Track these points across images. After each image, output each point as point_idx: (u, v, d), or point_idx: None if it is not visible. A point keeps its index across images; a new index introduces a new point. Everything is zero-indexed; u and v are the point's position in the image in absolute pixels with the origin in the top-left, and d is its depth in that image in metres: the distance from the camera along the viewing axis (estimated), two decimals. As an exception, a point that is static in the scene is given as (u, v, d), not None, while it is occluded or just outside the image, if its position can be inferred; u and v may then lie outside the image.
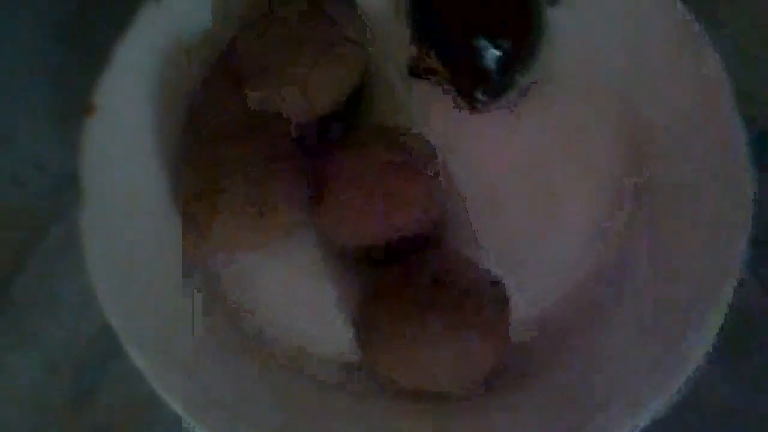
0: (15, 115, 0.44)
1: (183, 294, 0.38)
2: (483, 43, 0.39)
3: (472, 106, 0.41)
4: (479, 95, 0.40)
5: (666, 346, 0.35)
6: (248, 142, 0.37)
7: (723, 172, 0.38)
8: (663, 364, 0.35)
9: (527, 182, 0.40)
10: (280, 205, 0.36)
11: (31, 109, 0.44)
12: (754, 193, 0.37)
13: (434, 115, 0.41)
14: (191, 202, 0.36)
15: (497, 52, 0.39)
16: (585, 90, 0.41)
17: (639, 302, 0.37)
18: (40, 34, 0.46)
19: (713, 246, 0.37)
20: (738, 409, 0.38)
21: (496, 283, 0.36)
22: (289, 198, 0.36)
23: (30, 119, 0.44)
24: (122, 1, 0.40)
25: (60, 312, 0.40)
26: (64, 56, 0.45)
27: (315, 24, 0.38)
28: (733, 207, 0.37)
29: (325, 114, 0.38)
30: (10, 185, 0.43)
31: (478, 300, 0.34)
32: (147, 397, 0.35)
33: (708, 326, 0.35)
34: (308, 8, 0.38)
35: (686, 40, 0.40)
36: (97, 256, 0.37)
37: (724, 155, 0.38)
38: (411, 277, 0.35)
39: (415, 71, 0.42)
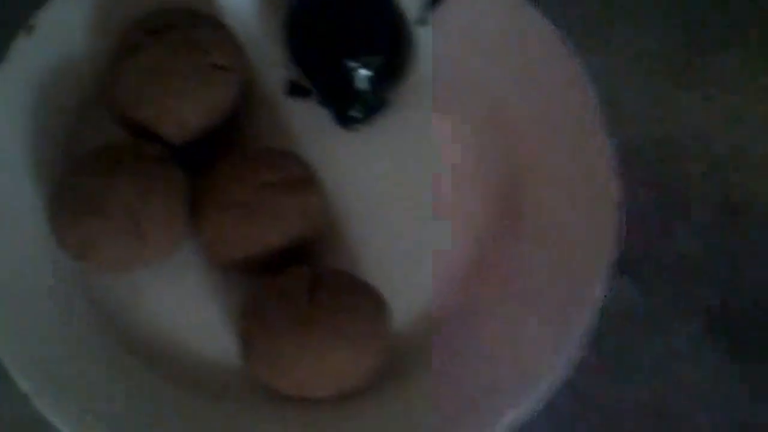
0: None
1: (70, 316, 0.38)
2: (353, 64, 0.40)
3: (347, 124, 0.42)
4: (353, 113, 0.42)
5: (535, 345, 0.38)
6: (125, 167, 0.37)
7: (590, 181, 0.40)
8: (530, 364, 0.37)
9: (401, 194, 0.42)
10: (158, 227, 0.37)
11: None
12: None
13: (311, 133, 0.42)
14: (70, 227, 0.37)
15: (367, 72, 0.40)
16: (453, 102, 0.43)
17: (506, 306, 0.39)
18: None
19: (581, 255, 0.39)
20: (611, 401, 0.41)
21: (372, 292, 0.37)
22: (168, 219, 0.37)
23: None
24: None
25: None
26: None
27: (185, 52, 0.39)
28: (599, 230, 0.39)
29: (199, 135, 0.39)
30: None
31: (355, 310, 0.36)
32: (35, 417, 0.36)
33: (578, 326, 0.38)
34: (179, 37, 0.39)
35: (552, 55, 0.42)
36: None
37: (590, 166, 0.40)
38: (288, 290, 0.36)
39: (292, 91, 0.43)
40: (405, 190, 0.42)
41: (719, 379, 0.41)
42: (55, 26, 0.42)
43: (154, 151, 0.38)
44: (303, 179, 0.38)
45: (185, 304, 0.39)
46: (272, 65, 0.43)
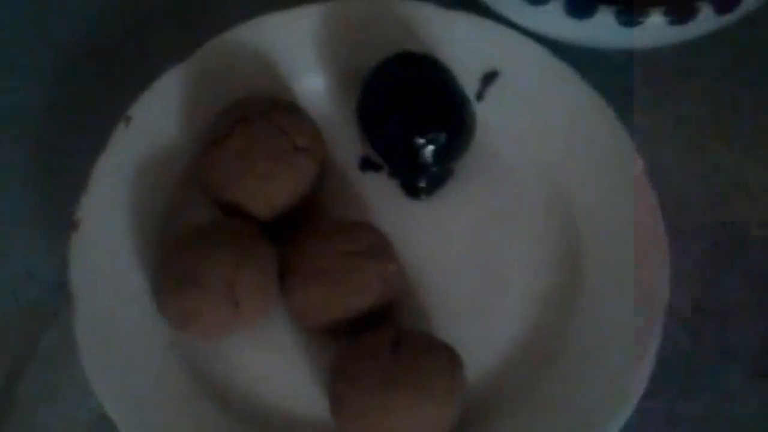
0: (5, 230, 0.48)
1: (172, 381, 0.42)
2: (419, 140, 0.44)
3: (415, 194, 0.46)
4: (421, 184, 0.46)
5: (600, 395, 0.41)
6: (220, 242, 0.41)
7: (644, 253, 0.43)
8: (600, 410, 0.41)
9: (468, 257, 0.45)
10: (251, 296, 0.41)
11: (20, 223, 0.48)
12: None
13: (384, 205, 0.46)
14: (171, 298, 0.41)
15: (432, 147, 0.44)
16: (514, 173, 0.47)
17: (575, 358, 0.43)
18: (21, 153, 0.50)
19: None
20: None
21: (449, 350, 0.41)
22: (259, 288, 0.41)
23: (20, 233, 0.48)
24: (100, 121, 0.46)
25: (60, 405, 0.44)
26: (48, 174, 0.50)
27: (269, 137, 0.43)
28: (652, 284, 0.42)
29: (285, 211, 0.43)
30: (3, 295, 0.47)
31: (434, 367, 0.39)
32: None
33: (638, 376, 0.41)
34: (264, 123, 0.43)
35: (598, 121, 0.46)
36: (91, 354, 0.41)
37: (644, 238, 0.44)
38: (373, 350, 0.40)
39: (365, 166, 0.47)
40: (471, 253, 0.45)
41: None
42: (148, 117, 0.46)
43: (246, 227, 0.43)
44: (380, 247, 0.42)
45: (277, 366, 0.43)
46: (347, 144, 0.47)
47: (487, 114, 0.47)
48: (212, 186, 0.43)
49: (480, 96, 0.47)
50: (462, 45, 0.47)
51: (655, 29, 0.43)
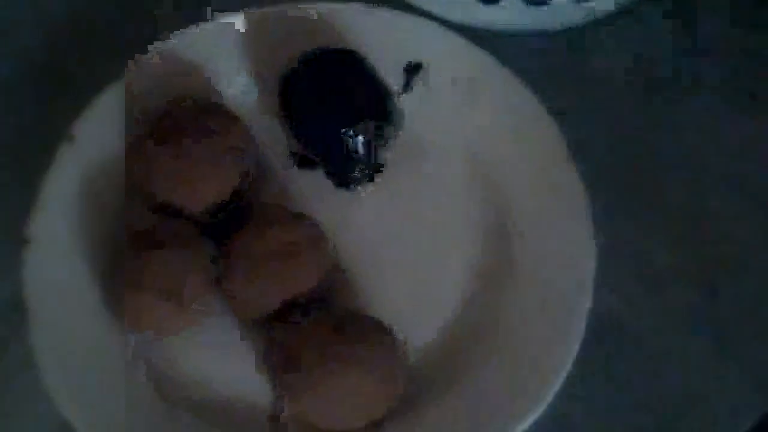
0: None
1: (129, 383, 0.44)
2: (349, 132, 0.46)
3: (348, 186, 0.48)
4: (354, 175, 0.48)
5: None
6: (161, 245, 0.44)
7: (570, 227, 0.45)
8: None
9: (404, 242, 0.48)
10: (195, 294, 0.43)
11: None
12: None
13: (318, 197, 0.48)
14: (121, 300, 0.43)
15: (361, 138, 0.46)
16: (443, 159, 0.49)
17: (509, 331, 0.45)
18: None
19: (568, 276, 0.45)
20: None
21: (388, 329, 0.43)
22: (202, 286, 0.43)
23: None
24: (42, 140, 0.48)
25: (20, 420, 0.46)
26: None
27: (200, 138, 0.45)
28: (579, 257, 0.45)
29: (222, 210, 0.46)
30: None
31: (375, 344, 0.42)
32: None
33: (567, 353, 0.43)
34: (194, 126, 0.46)
35: (523, 104, 0.48)
36: (51, 364, 0.43)
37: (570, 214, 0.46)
38: (315, 333, 0.42)
39: (300, 163, 0.49)
40: (407, 238, 0.48)
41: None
42: (90, 133, 0.48)
43: (185, 228, 0.45)
44: (314, 235, 0.44)
45: (224, 357, 0.45)
46: (278, 142, 0.49)
47: (414, 104, 0.49)
48: (148, 190, 0.46)
49: (406, 87, 0.50)
50: (385, 40, 0.49)
51: (561, 8, 0.46)
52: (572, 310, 0.44)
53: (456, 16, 0.49)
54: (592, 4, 0.46)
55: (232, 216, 0.46)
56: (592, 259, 0.44)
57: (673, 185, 0.50)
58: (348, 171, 0.48)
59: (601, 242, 0.45)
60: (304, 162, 0.49)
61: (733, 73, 0.53)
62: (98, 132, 0.48)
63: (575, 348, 0.43)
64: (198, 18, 0.51)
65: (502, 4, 0.46)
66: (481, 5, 0.46)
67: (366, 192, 0.49)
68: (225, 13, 0.50)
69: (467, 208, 0.48)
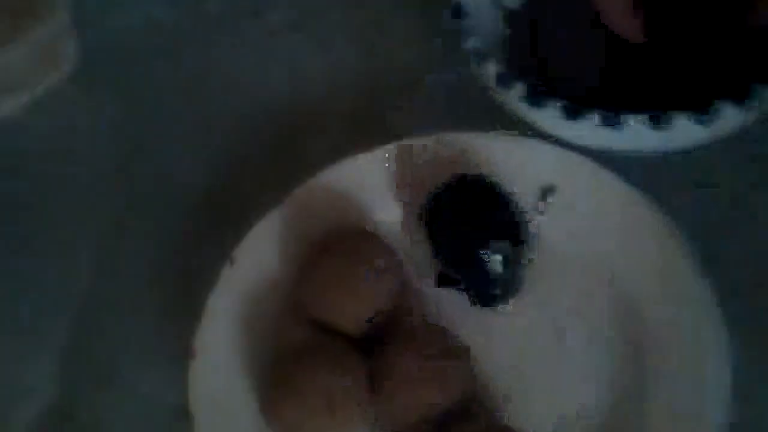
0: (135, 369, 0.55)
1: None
2: (486, 253, 0.49)
3: (488, 304, 0.51)
4: (493, 294, 0.51)
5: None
6: (317, 357, 0.47)
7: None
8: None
9: (541, 358, 0.50)
10: (347, 405, 0.46)
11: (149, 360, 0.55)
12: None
13: (460, 315, 0.51)
14: (277, 409, 0.47)
15: (498, 257, 0.49)
16: (575, 275, 0.52)
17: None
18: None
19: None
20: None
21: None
22: (354, 396, 0.46)
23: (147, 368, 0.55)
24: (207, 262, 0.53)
25: None
26: (167, 312, 0.57)
27: (352, 262, 0.49)
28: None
29: (371, 325, 0.49)
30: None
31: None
32: None
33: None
34: (348, 250, 0.50)
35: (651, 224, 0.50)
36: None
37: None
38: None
39: (441, 282, 0.52)
40: (546, 354, 0.50)
41: None
42: (250, 256, 0.53)
43: (338, 341, 0.48)
44: (455, 348, 0.47)
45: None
46: (424, 263, 0.53)
47: (549, 224, 0.52)
48: (309, 308, 0.50)
49: (541, 209, 0.53)
50: (519, 166, 0.53)
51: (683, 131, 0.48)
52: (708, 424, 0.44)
53: (584, 140, 0.52)
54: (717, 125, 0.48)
55: (380, 332, 0.49)
56: (727, 373, 0.45)
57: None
58: (487, 290, 0.51)
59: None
60: (444, 281, 0.52)
61: None
62: (257, 256, 0.53)
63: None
64: (349, 151, 0.56)
65: (627, 127, 0.49)
66: (606, 129, 0.49)
67: (505, 310, 0.51)
68: (375, 146, 0.55)
69: (602, 323, 0.50)
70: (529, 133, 0.54)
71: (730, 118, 0.48)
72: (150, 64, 0.69)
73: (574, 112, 0.50)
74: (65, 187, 0.63)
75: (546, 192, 0.53)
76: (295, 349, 0.49)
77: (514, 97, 0.52)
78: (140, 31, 0.71)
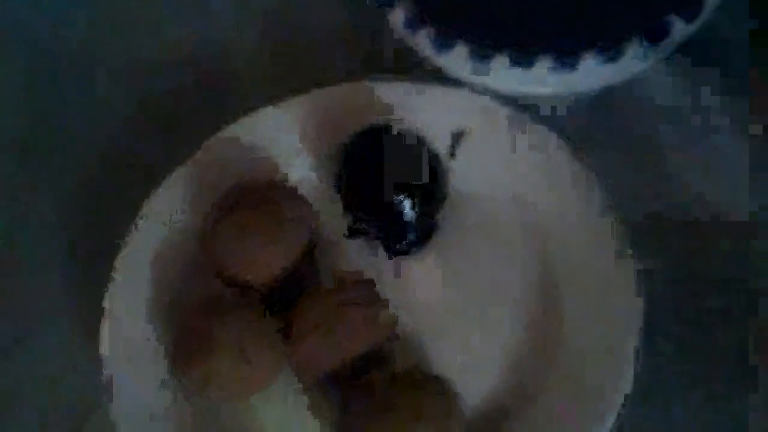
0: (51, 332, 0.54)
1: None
2: (399, 198, 0.49)
3: (401, 252, 0.51)
4: (408, 241, 0.51)
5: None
6: (229, 311, 0.46)
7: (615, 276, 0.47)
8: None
9: (455, 301, 0.50)
10: (262, 358, 0.46)
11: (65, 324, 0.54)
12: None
13: (373, 264, 0.51)
14: (191, 365, 0.46)
15: (410, 201, 0.49)
16: (489, 216, 0.52)
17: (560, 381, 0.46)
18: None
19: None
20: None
21: (443, 381, 0.44)
22: (268, 350, 0.46)
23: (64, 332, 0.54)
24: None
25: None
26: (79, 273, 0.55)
27: (262, 212, 0.48)
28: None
29: (282, 277, 0.48)
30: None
31: (431, 395, 0.43)
32: None
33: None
34: (256, 201, 0.49)
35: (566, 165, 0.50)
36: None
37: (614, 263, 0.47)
38: (372, 387, 0.44)
39: (352, 233, 0.52)
40: (460, 297, 0.50)
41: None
42: (159, 212, 0.52)
43: (248, 296, 0.48)
44: (367, 295, 0.47)
45: (288, 420, 0.48)
46: (336, 216, 0.52)
47: (462, 168, 0.52)
48: (216, 260, 0.49)
49: (453, 153, 0.52)
50: (429, 112, 0.53)
51: (590, 71, 0.48)
52: (621, 355, 0.45)
53: (494, 84, 0.52)
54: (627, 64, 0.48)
55: (292, 284, 0.49)
56: (640, 303, 0.46)
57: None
58: (400, 237, 0.51)
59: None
60: (355, 233, 0.52)
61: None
62: (166, 211, 0.52)
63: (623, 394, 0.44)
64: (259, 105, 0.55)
65: (534, 69, 0.48)
66: (517, 71, 0.49)
67: (419, 257, 0.51)
68: (283, 97, 0.54)
69: (517, 263, 0.50)
70: (438, 78, 0.54)
71: (637, 57, 0.48)
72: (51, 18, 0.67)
73: (482, 54, 0.49)
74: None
75: (457, 136, 0.53)
76: (205, 303, 0.48)
77: (422, 42, 0.51)
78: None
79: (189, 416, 0.47)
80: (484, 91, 0.52)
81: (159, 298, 0.50)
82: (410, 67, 0.55)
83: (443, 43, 0.50)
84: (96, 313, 0.49)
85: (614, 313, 0.47)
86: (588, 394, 0.45)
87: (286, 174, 0.53)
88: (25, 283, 0.56)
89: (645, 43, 0.48)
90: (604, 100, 0.54)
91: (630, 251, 0.47)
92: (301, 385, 0.47)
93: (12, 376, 0.53)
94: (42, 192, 0.59)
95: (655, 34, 0.48)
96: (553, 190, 0.50)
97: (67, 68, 0.64)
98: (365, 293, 0.47)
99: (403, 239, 0.51)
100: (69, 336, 0.53)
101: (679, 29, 0.48)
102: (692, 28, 0.49)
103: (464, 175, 0.52)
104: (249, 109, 0.55)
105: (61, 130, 0.62)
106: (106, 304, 0.49)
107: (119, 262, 0.50)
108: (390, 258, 0.51)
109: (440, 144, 0.52)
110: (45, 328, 0.54)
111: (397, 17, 0.52)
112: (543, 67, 0.48)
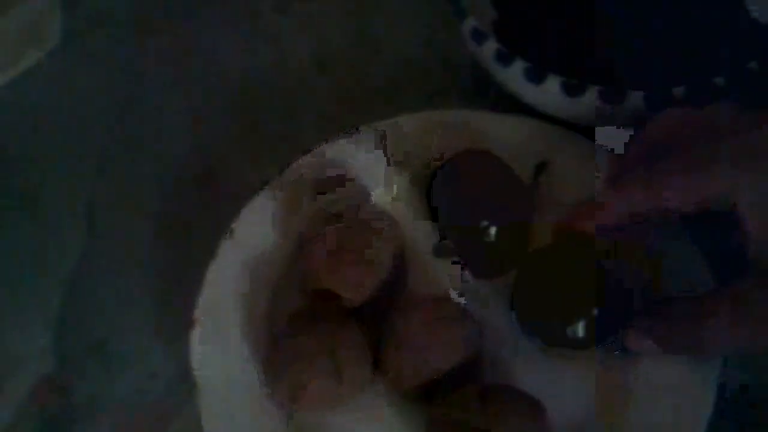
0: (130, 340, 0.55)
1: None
2: (485, 224, 0.51)
3: (484, 276, 0.52)
4: (490, 266, 0.52)
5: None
6: (320, 324, 0.48)
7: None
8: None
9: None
10: (352, 369, 0.47)
11: (144, 331, 0.55)
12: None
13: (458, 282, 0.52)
14: (282, 376, 0.47)
15: (494, 228, 0.51)
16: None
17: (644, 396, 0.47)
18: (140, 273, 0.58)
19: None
20: None
21: (531, 399, 0.45)
22: (358, 361, 0.47)
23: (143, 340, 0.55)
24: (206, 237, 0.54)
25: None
26: (166, 288, 0.57)
27: (353, 232, 0.50)
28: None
29: (372, 293, 0.50)
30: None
31: (520, 413, 0.44)
32: None
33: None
34: (348, 221, 0.51)
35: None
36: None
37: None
38: (460, 403, 0.44)
39: (439, 253, 0.53)
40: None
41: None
42: (248, 228, 0.54)
43: (339, 309, 0.49)
44: (457, 313, 0.48)
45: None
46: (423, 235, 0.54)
47: (543, 198, 0.54)
48: (308, 276, 0.50)
49: (535, 183, 0.54)
50: (514, 142, 0.55)
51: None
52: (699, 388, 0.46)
53: (576, 118, 0.54)
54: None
55: (381, 299, 0.50)
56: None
57: None
58: (484, 262, 0.52)
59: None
60: (442, 251, 0.53)
61: None
62: (255, 228, 0.54)
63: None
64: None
65: (624, 105, 0.50)
66: (605, 106, 0.51)
67: (502, 281, 0.52)
68: (375, 123, 0.57)
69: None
70: (522, 110, 0.56)
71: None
72: (133, 41, 0.69)
73: (573, 87, 0.51)
74: (55, 165, 0.64)
75: (540, 167, 0.54)
76: (296, 317, 0.49)
77: (513, 74, 0.53)
78: (123, 11, 0.71)
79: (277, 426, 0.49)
80: (570, 124, 0.54)
81: (247, 311, 0.52)
82: (498, 99, 0.57)
83: (535, 75, 0.52)
84: (179, 321, 0.51)
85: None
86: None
87: (376, 194, 0.55)
88: (114, 291, 0.57)
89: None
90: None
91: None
92: (390, 398, 0.48)
93: (95, 382, 0.54)
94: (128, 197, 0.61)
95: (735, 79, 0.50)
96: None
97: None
98: (454, 310, 0.48)
99: (485, 263, 0.52)
100: (150, 343, 0.55)
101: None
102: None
103: (546, 205, 0.53)
104: (339, 130, 0.57)
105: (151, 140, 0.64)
106: (196, 313, 0.51)
107: (209, 276, 0.52)
108: (475, 279, 0.52)
109: (524, 174, 0.54)
110: (126, 334, 0.55)
111: (488, 51, 0.54)
112: (632, 103, 0.50)
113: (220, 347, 0.50)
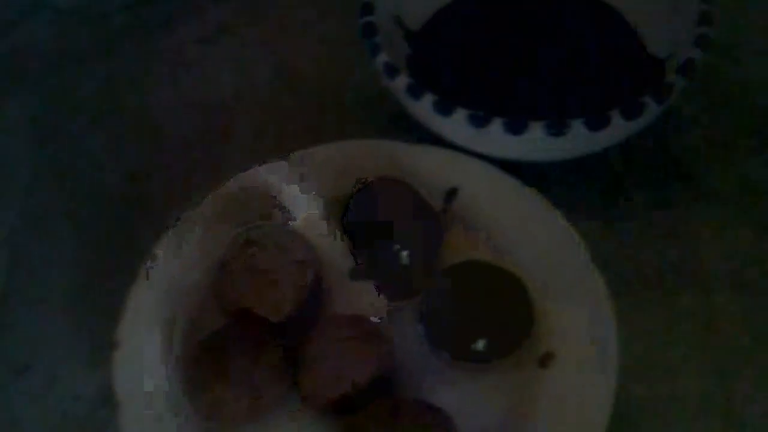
0: (53, 364, 0.56)
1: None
2: (397, 247, 0.53)
3: (396, 298, 0.55)
4: (404, 287, 0.55)
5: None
6: (237, 343, 0.50)
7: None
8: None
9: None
10: (269, 386, 0.49)
11: (67, 355, 0.57)
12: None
13: (371, 303, 0.55)
14: (200, 392, 0.49)
15: (406, 251, 0.53)
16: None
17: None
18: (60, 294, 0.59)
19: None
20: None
21: (441, 412, 0.48)
22: (275, 378, 0.49)
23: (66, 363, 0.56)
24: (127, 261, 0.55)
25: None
26: (85, 311, 0.58)
27: (271, 254, 0.53)
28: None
29: (289, 314, 0.52)
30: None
31: (430, 426, 0.47)
32: None
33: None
34: (266, 244, 0.53)
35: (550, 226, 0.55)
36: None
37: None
38: (373, 417, 0.47)
39: (354, 276, 0.56)
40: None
41: None
42: (170, 253, 0.56)
43: (257, 328, 0.51)
44: (371, 332, 0.51)
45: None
46: (339, 258, 0.56)
47: (453, 223, 0.57)
48: (227, 298, 0.52)
49: (445, 209, 0.57)
50: (427, 171, 0.57)
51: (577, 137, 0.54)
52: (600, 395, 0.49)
53: (483, 148, 0.57)
54: (605, 133, 0.54)
55: (298, 320, 0.52)
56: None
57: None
58: (398, 283, 0.55)
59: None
60: (357, 275, 0.56)
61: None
62: (176, 251, 0.56)
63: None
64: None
65: (526, 136, 0.53)
66: (508, 137, 0.54)
67: (414, 301, 0.55)
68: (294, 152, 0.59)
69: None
70: (434, 141, 0.59)
71: (620, 127, 0.54)
72: (61, 74, 0.71)
73: (479, 119, 0.54)
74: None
75: (450, 194, 0.57)
76: (214, 336, 0.51)
77: (423, 107, 0.56)
78: (48, 42, 0.73)
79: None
80: (478, 154, 0.57)
81: (168, 332, 0.54)
82: (410, 129, 0.60)
83: (444, 108, 0.55)
84: (101, 344, 0.52)
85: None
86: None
87: (294, 219, 0.58)
88: (34, 314, 0.58)
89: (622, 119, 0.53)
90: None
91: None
92: (306, 413, 0.50)
93: (16, 403, 0.55)
94: (51, 225, 0.63)
95: (630, 112, 0.54)
96: (535, 244, 0.55)
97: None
98: (368, 328, 0.51)
99: (399, 284, 0.55)
100: (73, 366, 0.56)
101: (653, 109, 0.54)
102: (662, 107, 0.55)
103: (455, 230, 0.57)
104: (260, 159, 0.59)
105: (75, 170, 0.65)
106: (117, 335, 0.52)
107: (130, 300, 0.53)
108: (389, 301, 0.55)
109: (435, 201, 0.57)
110: (48, 359, 0.56)
111: (400, 85, 0.57)
112: (534, 133, 0.53)
113: (140, 368, 0.52)
